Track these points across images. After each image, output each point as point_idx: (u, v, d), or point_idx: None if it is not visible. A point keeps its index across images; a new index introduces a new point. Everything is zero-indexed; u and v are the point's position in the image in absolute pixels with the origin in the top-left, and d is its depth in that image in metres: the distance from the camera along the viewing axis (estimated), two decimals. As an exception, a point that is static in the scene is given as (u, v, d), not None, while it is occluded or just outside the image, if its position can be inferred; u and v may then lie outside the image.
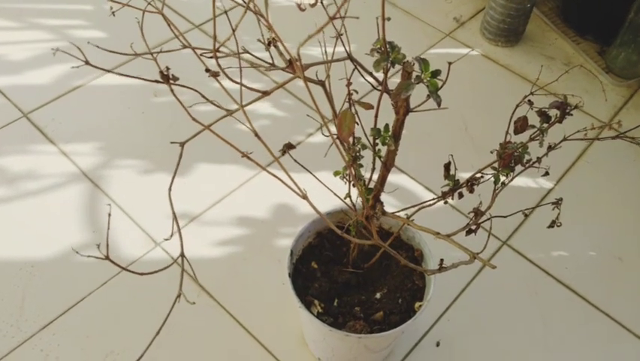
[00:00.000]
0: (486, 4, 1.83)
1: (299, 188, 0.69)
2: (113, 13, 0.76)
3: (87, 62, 0.57)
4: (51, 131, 1.47)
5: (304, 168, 0.86)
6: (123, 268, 0.61)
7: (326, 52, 0.82)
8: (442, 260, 0.79)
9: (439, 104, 0.67)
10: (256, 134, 0.66)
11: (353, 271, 1.02)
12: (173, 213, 0.69)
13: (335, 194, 0.89)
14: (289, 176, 0.71)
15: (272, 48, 0.81)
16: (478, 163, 1.49)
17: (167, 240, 1.18)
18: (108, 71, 0.67)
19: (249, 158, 0.66)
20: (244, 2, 0.65)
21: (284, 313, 1.18)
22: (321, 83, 0.81)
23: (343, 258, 1.05)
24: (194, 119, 0.69)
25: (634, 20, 1.67)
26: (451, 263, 0.78)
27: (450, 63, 0.64)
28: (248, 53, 0.77)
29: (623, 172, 1.52)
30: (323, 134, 0.81)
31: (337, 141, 0.81)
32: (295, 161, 0.84)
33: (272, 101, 1.58)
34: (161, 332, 1.02)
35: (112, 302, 1.18)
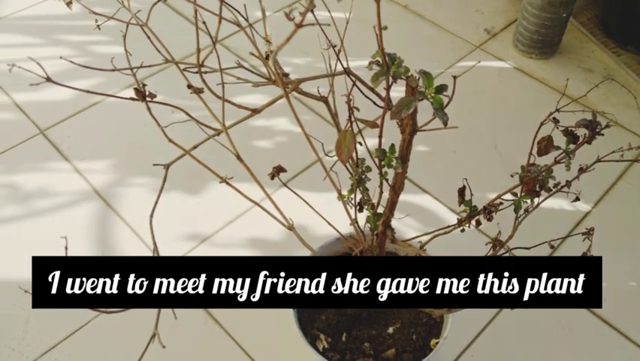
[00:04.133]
0: (519, 15, 1.73)
1: (285, 218, 0.62)
2: (98, 26, 0.72)
3: (48, 79, 0.52)
4: (66, 148, 1.45)
5: (296, 195, 0.79)
6: (88, 307, 0.55)
7: (330, 65, 0.76)
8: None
9: (445, 123, 0.59)
10: (238, 158, 0.60)
11: (364, 301, 0.94)
12: (154, 243, 0.63)
13: (332, 226, 0.82)
14: (275, 205, 0.65)
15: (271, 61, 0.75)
16: (508, 184, 1.39)
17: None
18: (76, 89, 0.62)
19: (228, 183, 0.60)
20: (245, 18, 0.59)
21: (293, 344, 1.11)
22: (324, 100, 0.75)
23: (354, 287, 0.97)
24: (170, 140, 0.64)
25: (681, 29, 1.55)
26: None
27: (455, 77, 0.56)
28: (242, 67, 0.71)
29: (670, 194, 1.39)
30: (326, 154, 0.74)
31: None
32: (285, 185, 0.78)
33: (290, 116, 1.52)
34: (166, 359, 0.96)
35: (116, 327, 1.13)
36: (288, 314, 1.15)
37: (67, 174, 1.39)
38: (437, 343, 0.88)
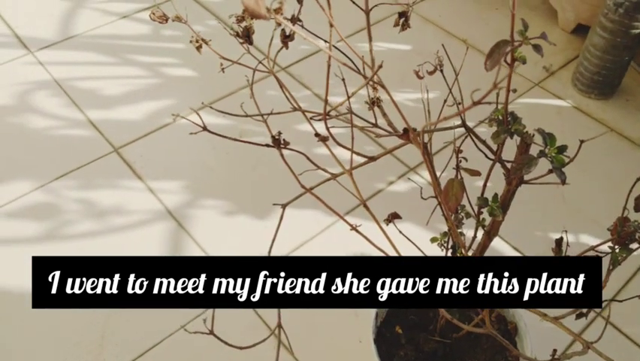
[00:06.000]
0: (579, 54, 1.75)
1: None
2: (222, 69, 0.76)
3: (205, 128, 0.56)
4: (139, 167, 1.51)
5: (413, 243, 0.81)
6: (226, 343, 0.59)
7: (427, 99, 0.79)
8: (555, 351, 0.73)
9: (563, 182, 0.62)
10: (365, 205, 0.63)
11: (440, 340, 0.97)
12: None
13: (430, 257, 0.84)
14: (396, 249, 0.68)
15: (375, 107, 0.79)
16: (570, 224, 1.41)
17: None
18: (223, 136, 0.66)
19: (358, 232, 0.64)
20: (363, 75, 0.63)
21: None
22: (423, 146, 0.78)
23: (429, 324, 1.00)
24: (303, 186, 0.68)
25: None
26: (562, 352, 0.71)
27: (582, 141, 0.59)
28: (357, 115, 0.75)
29: None
30: (422, 197, 0.77)
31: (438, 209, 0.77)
32: (404, 235, 0.80)
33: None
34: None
35: (193, 346, 1.17)
36: (355, 342, 1.18)
37: (140, 192, 1.45)
38: (516, 385, 0.90)
